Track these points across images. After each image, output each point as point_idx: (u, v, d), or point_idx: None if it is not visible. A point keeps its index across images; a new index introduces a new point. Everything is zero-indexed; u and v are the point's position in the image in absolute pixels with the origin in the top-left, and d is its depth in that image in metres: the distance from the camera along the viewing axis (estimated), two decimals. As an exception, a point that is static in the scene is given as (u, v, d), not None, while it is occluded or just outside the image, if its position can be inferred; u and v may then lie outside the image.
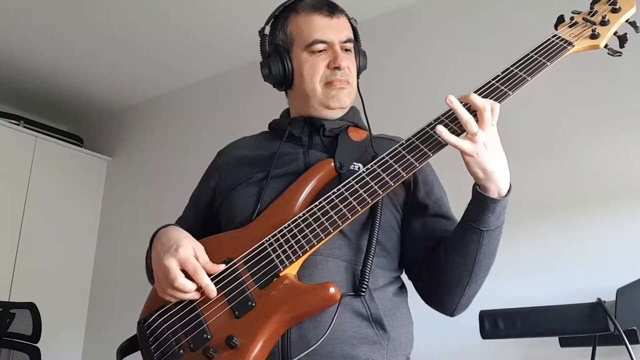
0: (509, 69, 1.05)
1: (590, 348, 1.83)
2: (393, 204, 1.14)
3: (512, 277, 2.14)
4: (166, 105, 3.86)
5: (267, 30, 1.23)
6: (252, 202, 1.13)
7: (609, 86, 2.25)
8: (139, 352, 1.07)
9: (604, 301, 1.67)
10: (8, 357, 2.66)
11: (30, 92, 3.90)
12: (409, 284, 1.16)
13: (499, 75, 1.05)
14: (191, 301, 1.02)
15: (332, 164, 1.11)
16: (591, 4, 1.16)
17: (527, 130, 2.34)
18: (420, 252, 1.13)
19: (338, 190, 1.04)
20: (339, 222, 1.01)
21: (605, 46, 1.12)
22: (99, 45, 3.34)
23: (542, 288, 2.16)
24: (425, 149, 1.01)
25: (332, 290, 0.96)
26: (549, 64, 1.06)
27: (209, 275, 1.02)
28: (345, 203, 1.02)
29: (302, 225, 1.03)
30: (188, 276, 1.01)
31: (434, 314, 1.15)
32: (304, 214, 1.04)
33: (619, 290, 1.66)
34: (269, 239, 1.04)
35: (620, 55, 1.13)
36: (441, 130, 0.96)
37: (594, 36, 1.10)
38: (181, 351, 0.99)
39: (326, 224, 1.01)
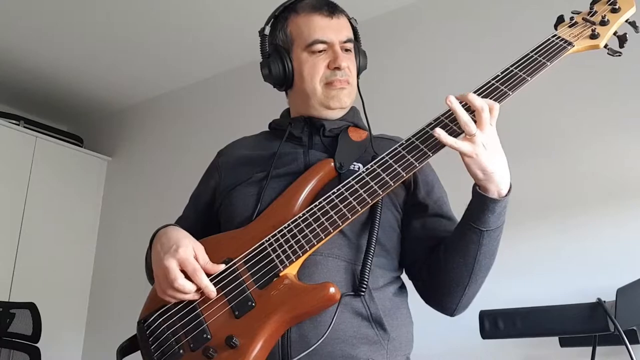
0: (508, 69, 1.05)
1: (590, 348, 1.84)
2: (393, 204, 1.14)
3: (512, 277, 2.14)
4: (166, 105, 3.86)
5: (267, 31, 1.23)
6: (252, 202, 1.13)
7: (608, 86, 2.25)
8: (139, 352, 1.07)
9: (604, 301, 1.67)
10: (8, 357, 2.66)
11: (30, 92, 3.90)
12: (409, 284, 1.16)
13: (498, 75, 1.05)
14: (191, 301, 1.02)
15: (332, 164, 1.11)
16: (591, 4, 1.16)
17: (527, 130, 2.34)
18: (420, 252, 1.13)
19: (338, 190, 1.04)
20: (339, 222, 1.01)
21: (605, 46, 1.12)
22: (99, 45, 3.34)
23: (542, 288, 2.16)
24: (425, 149, 1.01)
25: (332, 290, 0.96)
26: (548, 64, 1.06)
27: (209, 275, 1.02)
28: (345, 203, 1.02)
29: (302, 225, 1.03)
30: (188, 277, 1.01)
31: (434, 314, 1.15)
32: (303, 214, 1.04)
33: (619, 290, 1.66)
34: (269, 239, 1.04)
35: (620, 55, 1.13)
36: (439, 132, 0.96)
37: (593, 36, 1.10)
38: (181, 351, 0.99)
39: (326, 224, 1.01)
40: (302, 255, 1.01)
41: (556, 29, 1.14)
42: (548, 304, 1.79)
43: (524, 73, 1.04)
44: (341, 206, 1.02)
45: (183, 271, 1.01)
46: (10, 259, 3.45)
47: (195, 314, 1.01)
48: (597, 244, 2.13)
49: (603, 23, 1.11)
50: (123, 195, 3.89)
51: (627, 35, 1.11)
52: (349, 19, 1.23)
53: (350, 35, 1.21)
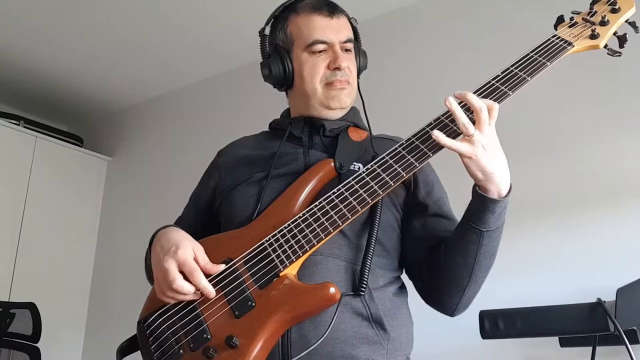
0: (508, 69, 1.05)
1: (590, 348, 1.84)
2: (393, 204, 1.14)
3: (512, 277, 2.14)
4: (166, 105, 3.86)
5: (267, 31, 1.23)
6: (252, 202, 1.13)
7: (608, 86, 2.25)
8: (139, 352, 1.07)
9: (604, 301, 1.67)
10: (8, 357, 2.66)
11: (30, 92, 3.90)
12: (409, 284, 1.16)
13: (498, 76, 1.05)
14: (191, 301, 1.02)
15: (332, 164, 1.11)
16: (591, 4, 1.16)
17: (527, 130, 2.34)
18: (420, 252, 1.13)
19: (338, 190, 1.04)
20: (339, 222, 1.01)
21: (605, 46, 1.12)
22: (99, 45, 3.34)
23: (542, 288, 2.17)
24: (425, 149, 1.01)
25: (332, 290, 0.96)
26: (548, 64, 1.06)
27: (209, 275, 1.02)
28: (345, 203, 1.02)
29: (302, 225, 1.03)
30: (187, 278, 1.01)
31: (434, 314, 1.15)
32: (303, 214, 1.04)
33: (619, 290, 1.66)
34: (269, 239, 1.04)
35: (619, 56, 1.13)
36: (436, 134, 0.96)
37: (593, 36, 1.10)
38: (181, 351, 0.99)
39: (326, 224, 1.01)
40: (302, 255, 1.01)
41: (556, 29, 1.14)
42: (548, 304, 1.79)
43: (524, 73, 1.04)
44: (341, 206, 1.02)
45: (182, 272, 1.01)
46: (10, 259, 3.45)
47: (195, 314, 1.01)
48: (597, 244, 2.13)
49: (603, 23, 1.11)
50: (123, 195, 3.89)
51: (627, 36, 1.11)
52: (349, 19, 1.23)
53: (351, 35, 1.21)
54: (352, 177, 1.04)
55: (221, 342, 0.96)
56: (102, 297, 3.71)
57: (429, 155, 1.00)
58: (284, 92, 1.28)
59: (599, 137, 2.24)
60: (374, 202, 1.02)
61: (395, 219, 1.14)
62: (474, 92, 1.02)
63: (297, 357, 0.97)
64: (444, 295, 1.09)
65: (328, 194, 1.04)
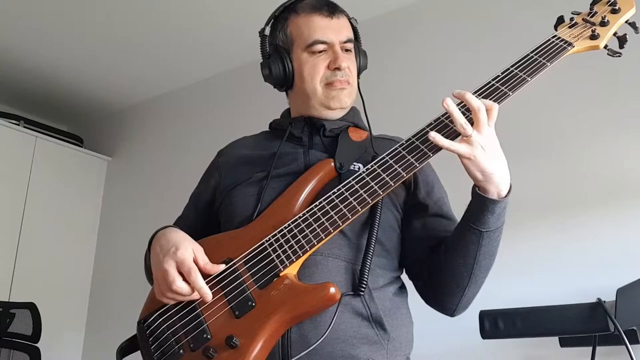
0: (508, 69, 1.05)
1: (590, 348, 1.84)
2: (393, 204, 1.14)
3: (512, 277, 2.14)
4: (166, 105, 3.86)
5: (267, 31, 1.23)
6: (252, 202, 1.13)
7: (608, 87, 2.25)
8: (139, 352, 1.07)
9: (604, 301, 1.67)
10: (8, 357, 2.66)
11: (30, 92, 3.90)
12: (409, 284, 1.16)
13: (498, 76, 1.05)
14: (191, 301, 1.02)
15: (332, 164, 1.11)
16: (591, 4, 1.16)
17: (527, 130, 2.35)
18: (420, 252, 1.13)
19: (338, 190, 1.04)
20: (339, 222, 1.01)
21: (605, 47, 1.12)
22: (99, 45, 3.34)
23: (542, 288, 2.17)
24: (425, 149, 1.01)
25: (332, 290, 0.96)
26: (548, 64, 1.06)
27: (209, 275, 1.02)
28: (346, 203, 1.02)
29: (302, 225, 1.03)
30: (186, 278, 1.01)
31: (434, 314, 1.15)
32: (304, 214, 1.04)
33: (619, 290, 1.66)
34: (269, 239, 1.04)
35: (619, 56, 1.13)
36: (434, 135, 0.96)
37: (593, 37, 1.10)
38: (181, 351, 0.99)
39: (326, 224, 1.01)
40: (302, 255, 1.01)
41: (556, 30, 1.14)
42: (548, 304, 1.79)
43: (524, 73, 1.04)
44: (341, 206, 1.02)
45: (182, 273, 1.01)
46: (10, 259, 3.45)
47: (195, 314, 1.01)
48: (597, 244, 2.13)
49: (603, 24, 1.11)
50: (123, 195, 3.89)
51: (627, 36, 1.12)
52: (349, 19, 1.23)
53: (351, 35, 1.21)
54: (352, 177, 1.04)
55: (221, 342, 0.96)
56: (102, 297, 3.71)
57: (429, 155, 1.00)
58: (284, 92, 1.28)
59: (599, 138, 2.24)
60: (374, 202, 1.02)
61: (395, 219, 1.14)
62: (474, 93, 1.02)
63: (297, 357, 0.97)
64: (444, 295, 1.09)
65: (328, 194, 1.04)
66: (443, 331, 1.93)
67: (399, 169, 1.01)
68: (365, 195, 1.01)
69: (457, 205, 1.11)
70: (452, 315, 1.12)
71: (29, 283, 3.45)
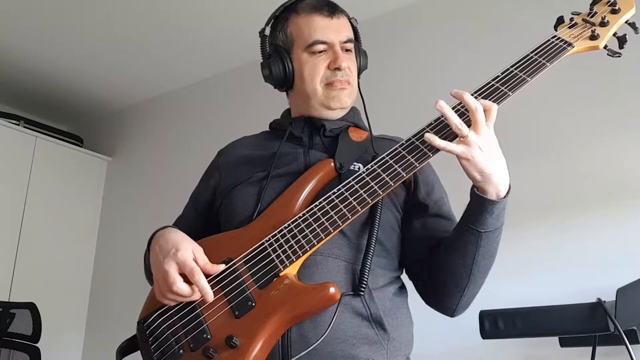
0: (508, 69, 1.05)
1: (590, 348, 1.84)
2: (393, 204, 1.14)
3: (512, 277, 2.14)
4: (166, 105, 3.86)
5: (267, 31, 1.23)
6: (252, 202, 1.13)
7: (608, 87, 2.25)
8: (138, 352, 1.07)
9: (604, 301, 1.67)
10: (8, 357, 2.66)
11: (30, 92, 3.90)
12: (409, 284, 1.16)
13: (498, 76, 1.05)
14: (191, 301, 1.02)
15: (332, 164, 1.11)
16: (591, 4, 1.16)
17: (527, 130, 2.35)
18: (420, 252, 1.13)
19: (338, 190, 1.04)
20: (339, 222, 1.01)
21: (605, 47, 1.12)
22: (99, 45, 3.34)
23: (542, 288, 2.17)
24: (425, 149, 1.01)
25: (332, 290, 0.96)
26: (548, 64, 1.06)
27: (209, 275, 1.02)
28: (346, 203, 1.02)
29: (302, 225, 1.03)
30: (187, 279, 1.01)
31: (434, 314, 1.15)
32: (304, 214, 1.04)
33: (619, 290, 1.66)
34: (269, 239, 1.04)
35: (619, 56, 1.13)
36: (428, 136, 0.96)
37: (593, 37, 1.10)
38: (181, 351, 0.99)
39: (326, 224, 1.01)
40: (302, 255, 1.01)
41: (556, 30, 1.14)
42: (548, 304, 1.79)
43: (523, 74, 1.04)
44: (341, 206, 1.02)
45: (182, 274, 1.01)
46: (10, 259, 3.45)
47: (195, 314, 1.01)
48: (597, 244, 2.13)
49: (603, 24, 1.11)
50: (123, 195, 3.89)
51: (627, 36, 1.12)
52: (349, 19, 1.23)
53: (351, 35, 1.21)
54: (352, 177, 1.04)
55: (221, 342, 0.96)
56: (102, 297, 3.71)
57: (429, 155, 1.00)
58: (285, 93, 1.28)
59: (598, 138, 2.24)
60: (374, 202, 1.02)
61: (395, 219, 1.14)
62: (474, 93, 1.02)
63: (297, 357, 0.97)
64: (444, 295, 1.09)
65: (328, 194, 1.04)
66: (443, 331, 1.93)
67: (399, 169, 1.01)
68: (365, 195, 1.01)
69: (457, 205, 1.11)
70: (452, 315, 1.12)
71: (29, 283, 3.45)
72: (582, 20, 1.13)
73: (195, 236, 1.10)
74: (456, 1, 2.76)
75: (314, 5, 1.19)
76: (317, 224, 1.02)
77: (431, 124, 1.03)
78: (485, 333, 1.85)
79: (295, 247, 1.01)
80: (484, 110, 0.96)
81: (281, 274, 1.00)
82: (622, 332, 1.62)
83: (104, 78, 3.71)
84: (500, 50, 2.21)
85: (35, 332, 2.65)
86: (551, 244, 2.23)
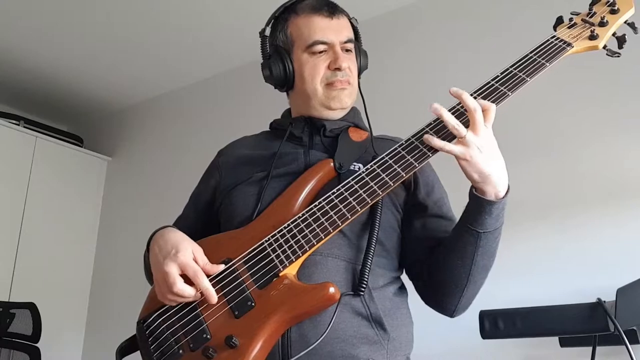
0: (508, 69, 1.05)
1: (590, 348, 1.84)
2: (393, 204, 1.14)
3: (511, 277, 2.14)
4: (166, 105, 3.86)
5: (267, 32, 1.23)
6: (252, 202, 1.13)
7: (608, 87, 2.25)
8: (138, 352, 1.07)
9: (604, 301, 1.67)
10: (8, 357, 2.66)
11: (30, 92, 3.90)
12: (409, 284, 1.16)
13: (498, 76, 1.05)
14: (191, 301, 1.02)
15: (332, 164, 1.11)
16: (590, 5, 1.16)
17: (526, 130, 2.35)
18: (420, 252, 1.13)
19: (337, 190, 1.04)
20: (339, 222, 1.01)
21: (604, 47, 1.12)
22: (99, 45, 3.34)
23: (541, 288, 2.17)
24: (425, 149, 1.01)
25: (331, 290, 0.96)
26: (548, 64, 1.06)
27: (209, 275, 1.02)
28: (345, 203, 1.02)
29: (302, 225, 1.03)
30: (187, 280, 1.01)
31: (434, 314, 1.15)
32: (303, 214, 1.04)
33: (619, 290, 1.66)
34: (269, 239, 1.04)
35: (619, 56, 1.13)
36: (427, 137, 0.96)
37: (592, 37, 1.10)
38: (181, 351, 0.99)
39: (326, 224, 1.01)
40: (302, 255, 1.01)
41: (555, 30, 1.14)
42: (548, 304, 1.79)
43: (523, 74, 1.04)
44: (341, 206, 1.02)
45: (183, 275, 1.01)
46: (10, 259, 3.45)
47: (194, 314, 1.01)
48: (597, 244, 2.13)
49: (602, 24, 1.11)
50: (123, 195, 3.89)
51: (626, 36, 1.12)
52: (350, 19, 1.23)
53: (351, 35, 1.21)
54: (351, 178, 1.04)
55: (221, 342, 0.96)
56: (102, 297, 3.71)
57: (429, 155, 1.01)
58: (285, 93, 1.28)
59: (598, 137, 2.24)
60: (373, 202, 1.02)
61: (395, 219, 1.14)
62: (474, 93, 1.02)
63: (296, 357, 0.97)
64: (443, 295, 1.09)
65: (328, 194, 1.04)
66: (443, 331, 1.93)
67: (399, 169, 1.01)
68: (364, 195, 1.01)
69: (457, 205, 1.11)
70: (451, 316, 1.12)
71: (29, 283, 3.45)
72: (582, 20, 1.13)
73: (195, 236, 1.10)
74: (456, 1, 2.76)
75: (313, 6, 1.19)
76: (316, 224, 1.02)
77: (431, 124, 1.03)
78: (485, 333, 1.85)
79: (295, 247, 1.01)
80: (483, 111, 0.96)
81: (281, 274, 1.00)
82: (622, 332, 1.62)
83: (104, 78, 3.71)
84: (500, 50, 2.21)
85: (35, 332, 2.65)
86: (551, 244, 2.23)
